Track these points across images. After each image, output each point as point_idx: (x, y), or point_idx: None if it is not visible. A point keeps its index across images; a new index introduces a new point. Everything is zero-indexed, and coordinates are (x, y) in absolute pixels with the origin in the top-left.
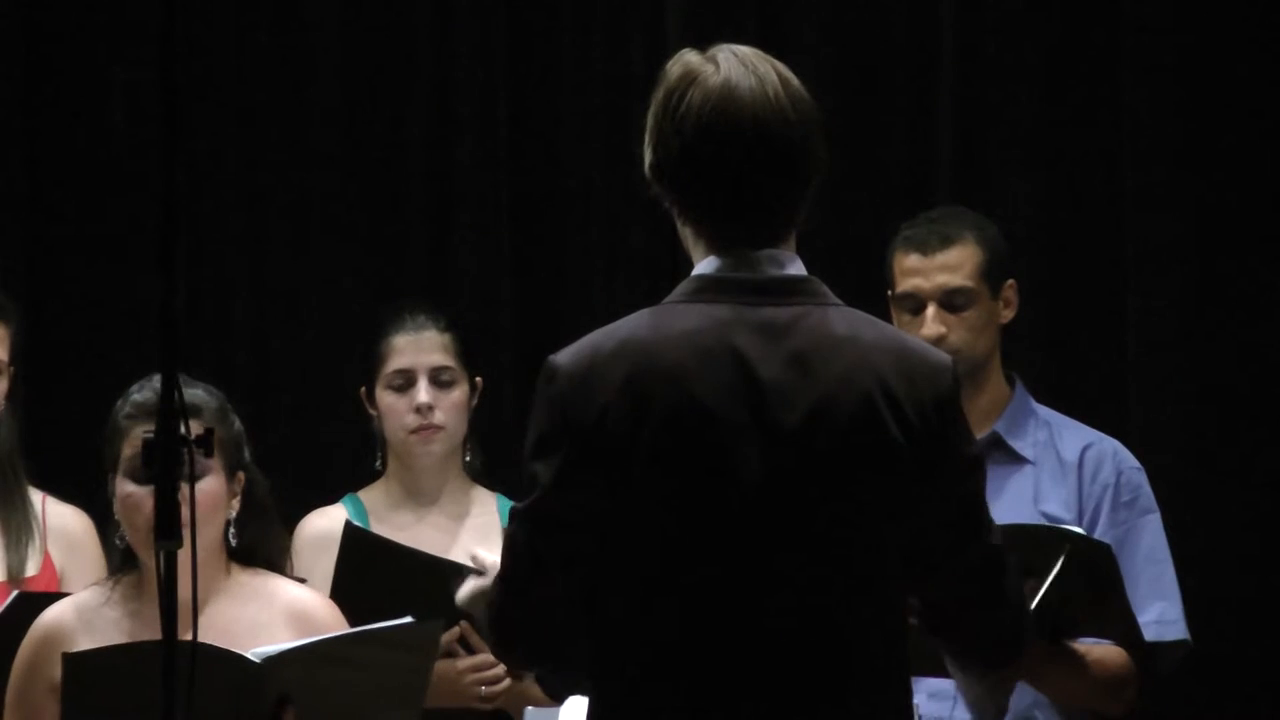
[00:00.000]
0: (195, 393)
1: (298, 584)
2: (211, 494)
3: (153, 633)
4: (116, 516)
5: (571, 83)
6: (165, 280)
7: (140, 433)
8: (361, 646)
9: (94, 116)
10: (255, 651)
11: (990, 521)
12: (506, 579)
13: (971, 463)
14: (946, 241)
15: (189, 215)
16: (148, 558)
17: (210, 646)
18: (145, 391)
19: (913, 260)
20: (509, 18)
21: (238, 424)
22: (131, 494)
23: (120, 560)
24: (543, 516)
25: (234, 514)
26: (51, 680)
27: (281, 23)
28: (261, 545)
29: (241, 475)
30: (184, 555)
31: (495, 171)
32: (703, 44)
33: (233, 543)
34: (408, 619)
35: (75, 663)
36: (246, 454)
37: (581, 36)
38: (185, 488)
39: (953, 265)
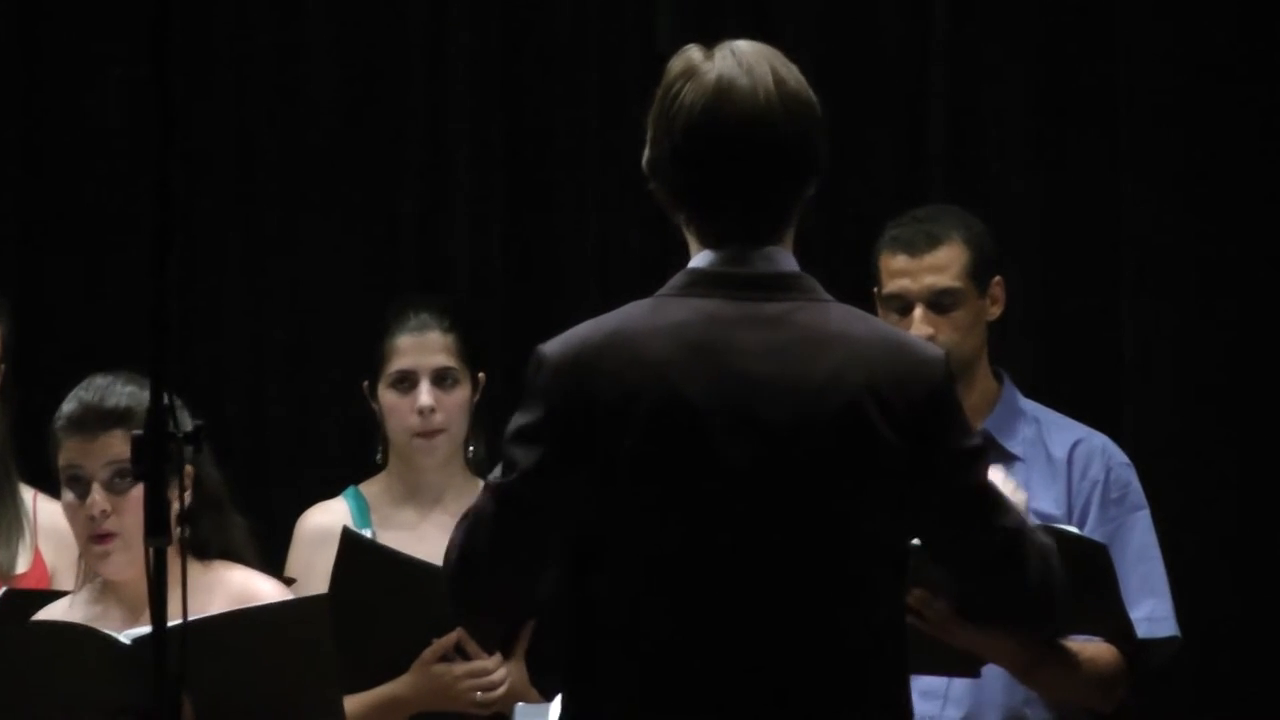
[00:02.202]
0: (130, 390)
1: (251, 571)
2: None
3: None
4: None
5: (565, 78)
6: (156, 278)
7: (72, 446)
8: (241, 626)
9: (89, 114)
10: (127, 633)
11: (1002, 506)
12: (466, 546)
13: (969, 455)
14: (934, 242)
15: (184, 212)
16: (91, 563)
17: (79, 626)
18: (73, 403)
19: (900, 261)
20: (504, 14)
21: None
22: (68, 502)
23: (88, 568)
24: (516, 499)
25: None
26: None
27: (277, 19)
28: (216, 538)
29: (190, 469)
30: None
31: (490, 167)
32: (706, 40)
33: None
34: (283, 600)
35: None
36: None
37: (576, 33)
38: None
39: (940, 266)
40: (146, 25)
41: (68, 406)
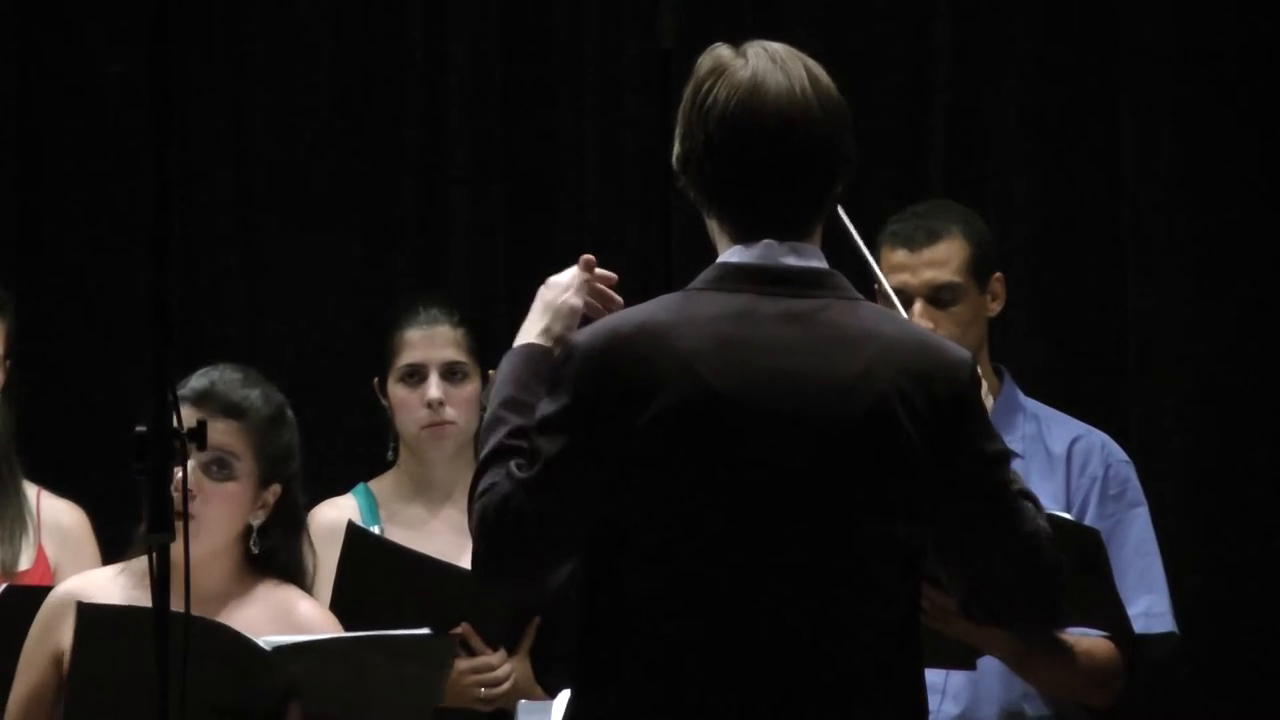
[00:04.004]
0: (257, 393)
1: (309, 598)
2: (228, 495)
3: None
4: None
5: (566, 78)
6: (157, 273)
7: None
8: (372, 651)
9: (87, 110)
10: (267, 640)
11: (1022, 511)
12: (493, 531)
13: (993, 458)
14: (933, 237)
15: (183, 208)
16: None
17: (225, 628)
18: (204, 380)
19: (900, 256)
20: (503, 13)
21: (288, 437)
22: None
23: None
24: (542, 488)
25: (258, 523)
26: (57, 647)
27: (275, 13)
28: (280, 556)
29: (277, 488)
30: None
31: (490, 166)
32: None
33: (254, 550)
34: (424, 630)
35: (86, 615)
36: (293, 469)
37: (575, 32)
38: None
39: (940, 261)
40: (145, 24)
41: (198, 381)
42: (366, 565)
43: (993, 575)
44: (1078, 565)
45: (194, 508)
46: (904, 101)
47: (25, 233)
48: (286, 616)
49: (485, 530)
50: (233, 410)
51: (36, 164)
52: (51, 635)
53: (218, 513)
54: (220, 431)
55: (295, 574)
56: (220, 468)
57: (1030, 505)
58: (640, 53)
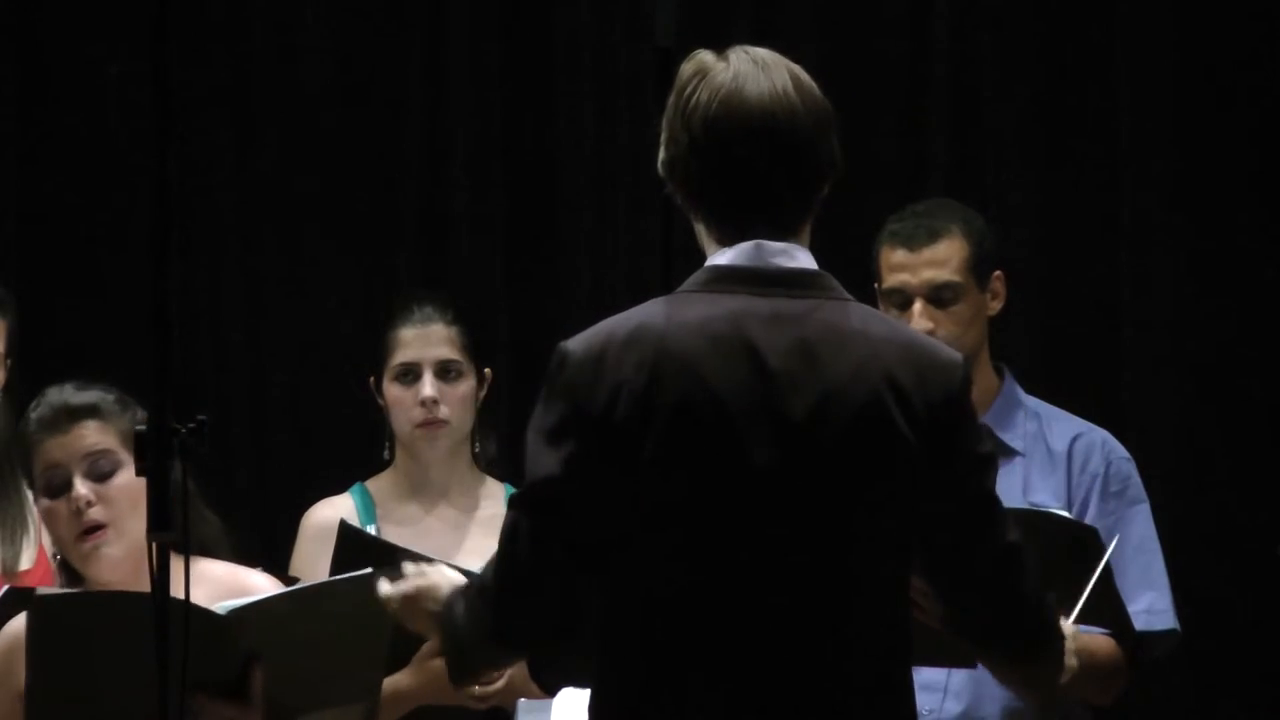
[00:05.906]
0: (91, 395)
1: (235, 566)
2: (129, 487)
3: None
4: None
5: (566, 78)
6: (157, 273)
7: (49, 446)
8: (315, 602)
9: (88, 110)
10: (220, 605)
11: (1005, 519)
12: (502, 565)
13: (982, 461)
14: (933, 236)
15: (183, 208)
16: (81, 566)
17: (178, 602)
18: (40, 409)
19: (899, 255)
20: (502, 13)
21: (140, 414)
22: (48, 508)
23: (65, 576)
24: (546, 502)
25: None
26: (17, 687)
27: (275, 13)
28: (193, 533)
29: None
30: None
31: (490, 166)
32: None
33: None
34: (362, 572)
35: (43, 606)
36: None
37: (574, 31)
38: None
39: (940, 260)
40: (145, 24)
41: (34, 413)
42: (359, 563)
43: (977, 583)
44: (1078, 565)
45: (99, 514)
46: (904, 101)
47: (25, 233)
48: (243, 591)
49: (497, 575)
50: (85, 410)
51: (36, 164)
52: (8, 678)
53: (124, 510)
54: (90, 431)
55: (210, 549)
56: (103, 464)
57: (1012, 520)
58: (639, 52)
